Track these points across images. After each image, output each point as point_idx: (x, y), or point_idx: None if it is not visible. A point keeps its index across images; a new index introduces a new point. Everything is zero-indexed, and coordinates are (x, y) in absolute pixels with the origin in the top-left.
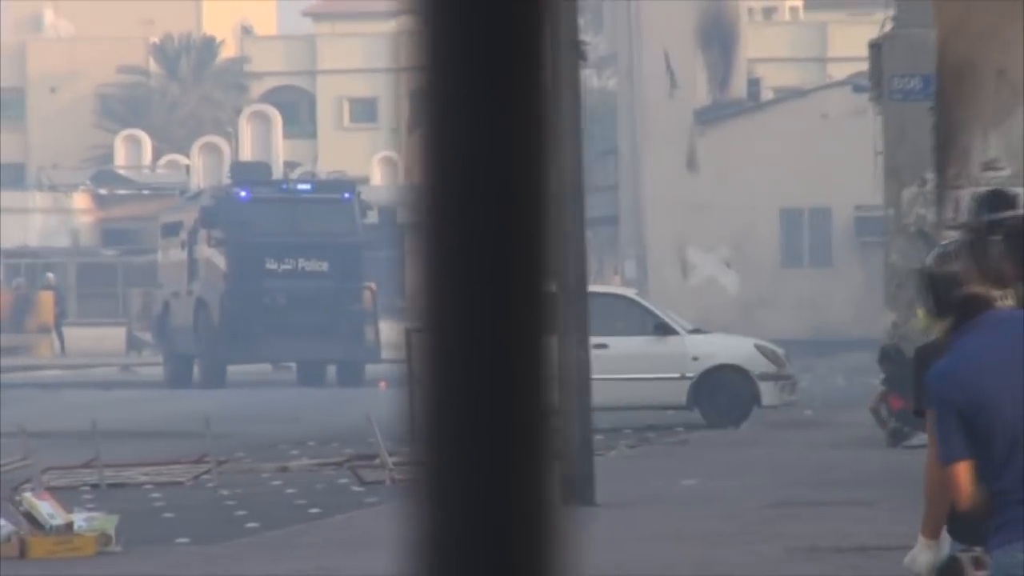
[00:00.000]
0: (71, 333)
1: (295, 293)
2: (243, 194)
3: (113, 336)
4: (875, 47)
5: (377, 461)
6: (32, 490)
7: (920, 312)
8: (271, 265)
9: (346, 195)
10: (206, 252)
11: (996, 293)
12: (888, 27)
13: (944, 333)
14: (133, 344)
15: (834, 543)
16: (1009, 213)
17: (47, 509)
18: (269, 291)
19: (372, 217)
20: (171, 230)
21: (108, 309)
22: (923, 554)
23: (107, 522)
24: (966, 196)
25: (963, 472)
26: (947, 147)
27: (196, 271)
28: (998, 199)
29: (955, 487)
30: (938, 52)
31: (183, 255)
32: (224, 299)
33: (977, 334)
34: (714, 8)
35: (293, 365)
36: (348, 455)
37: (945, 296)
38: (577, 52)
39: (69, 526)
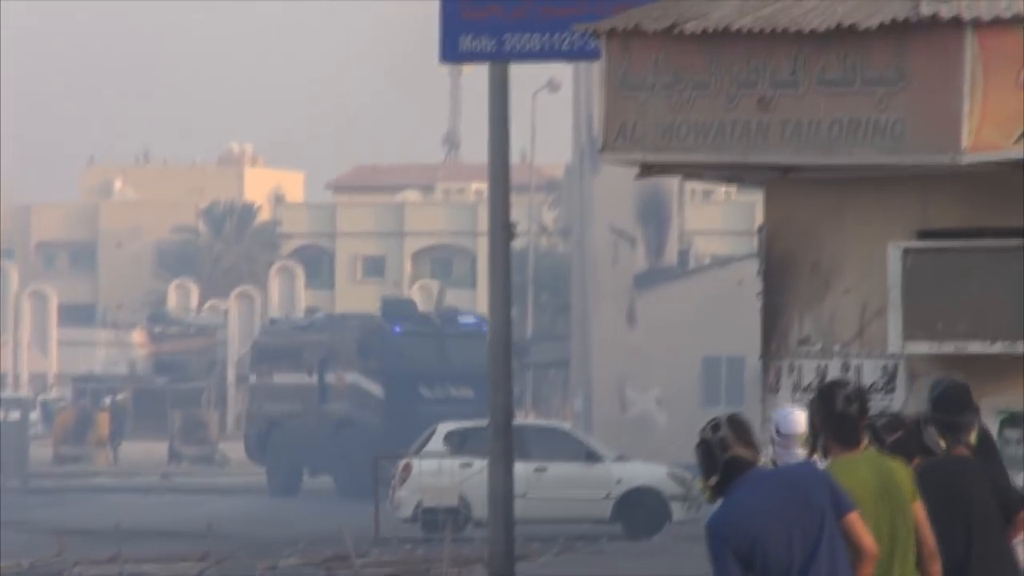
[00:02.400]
0: (125, 447)
1: (446, 418)
2: (396, 328)
3: (159, 449)
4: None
5: (347, 562)
6: None
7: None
8: (425, 392)
9: (484, 328)
10: (349, 378)
11: (754, 455)
12: None
13: (712, 491)
14: (174, 456)
15: None
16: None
17: None
18: (424, 416)
19: None
20: (268, 356)
21: (158, 427)
22: None
23: None
24: (784, 366)
25: None
26: (771, 326)
27: (330, 394)
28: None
29: None
30: (766, 246)
31: (306, 379)
32: (380, 421)
33: (745, 487)
34: (652, 189)
35: None
36: (325, 555)
37: (714, 458)
38: (508, 232)
39: None
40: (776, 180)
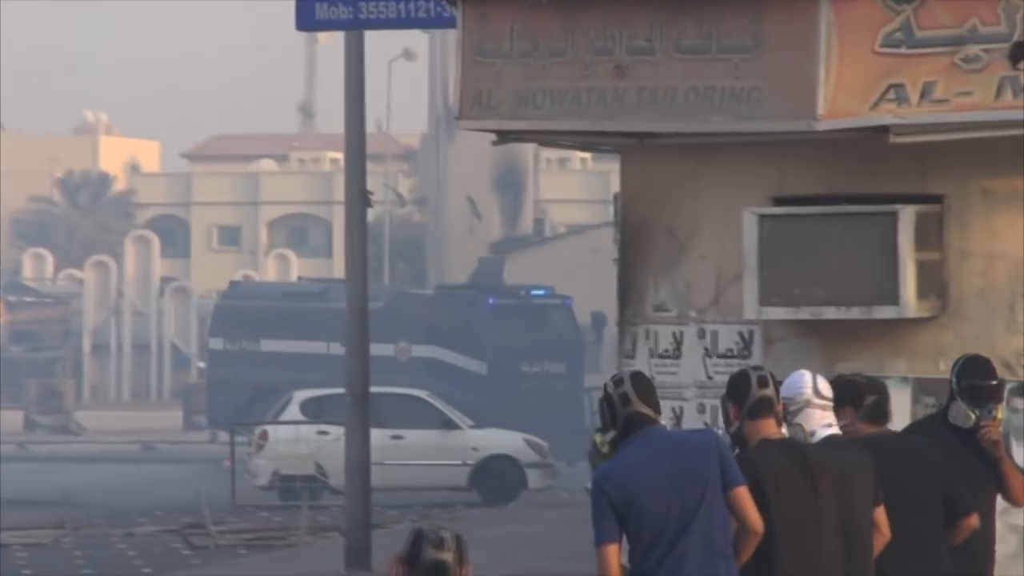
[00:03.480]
0: None
1: (545, 395)
2: (491, 299)
3: (15, 419)
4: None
5: (204, 530)
6: None
7: (596, 435)
8: (525, 368)
9: (567, 300)
10: (419, 351)
11: (657, 417)
12: None
13: (610, 446)
14: (29, 425)
15: None
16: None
17: None
18: (527, 393)
19: None
20: (246, 322)
21: (13, 396)
22: None
23: None
24: (640, 332)
25: (613, 552)
26: (626, 292)
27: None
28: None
29: (605, 564)
30: (621, 212)
31: (319, 348)
32: (482, 399)
33: (637, 445)
34: (507, 159)
35: None
36: (183, 523)
37: (614, 413)
38: (364, 200)
39: None
40: (632, 147)
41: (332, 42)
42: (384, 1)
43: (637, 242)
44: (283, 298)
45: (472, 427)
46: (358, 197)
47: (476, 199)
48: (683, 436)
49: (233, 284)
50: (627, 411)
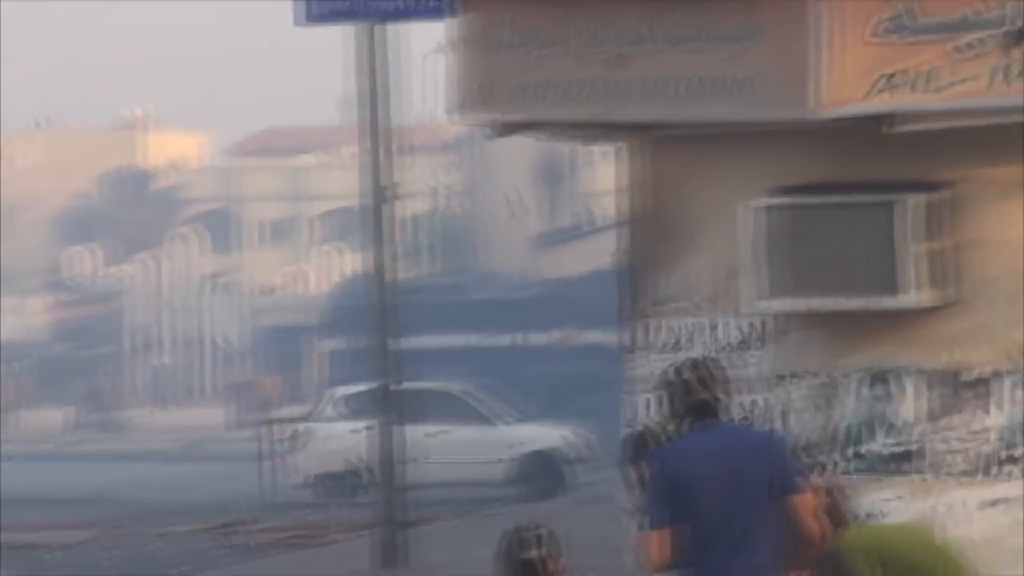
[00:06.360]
0: (28, 416)
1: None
2: None
3: (61, 418)
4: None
5: (240, 528)
6: None
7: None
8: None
9: None
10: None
11: (721, 402)
12: None
13: (676, 429)
14: (76, 424)
15: None
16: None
17: None
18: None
19: None
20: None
21: (60, 395)
22: None
23: None
24: (647, 326)
25: (664, 537)
26: (631, 286)
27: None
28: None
29: (654, 548)
30: (625, 205)
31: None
32: None
33: (697, 436)
34: (550, 150)
35: None
36: (219, 522)
37: (678, 401)
38: (380, 195)
39: None
40: (633, 138)
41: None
42: None
43: (641, 235)
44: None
45: (515, 422)
46: (376, 193)
47: (519, 191)
48: (742, 434)
49: (344, 282)
50: (691, 399)
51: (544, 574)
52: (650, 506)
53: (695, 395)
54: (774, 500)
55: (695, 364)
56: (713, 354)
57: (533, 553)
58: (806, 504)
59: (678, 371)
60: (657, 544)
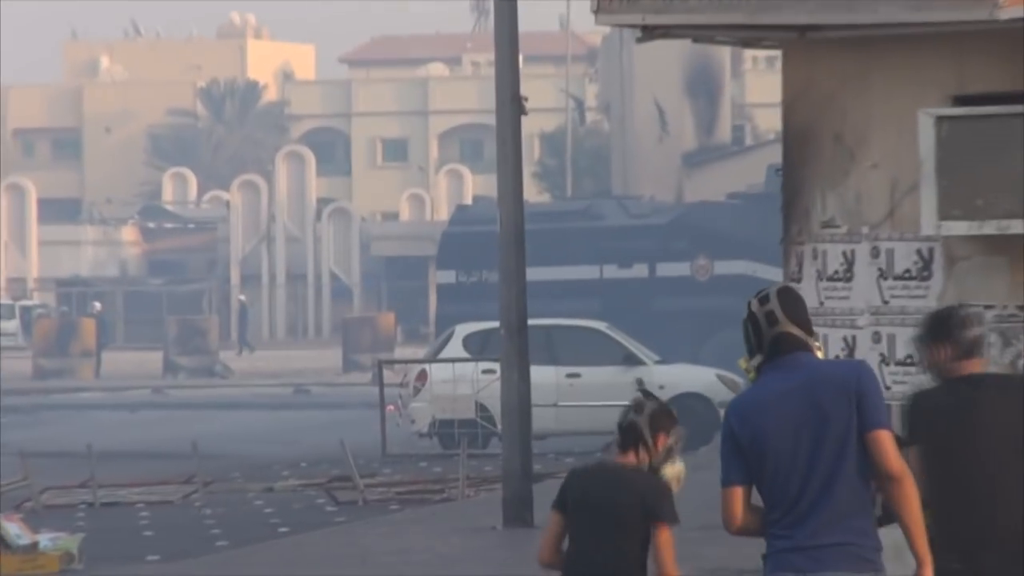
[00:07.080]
0: (115, 357)
1: None
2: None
3: (153, 360)
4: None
5: (351, 483)
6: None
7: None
8: None
9: None
10: (743, 267)
11: (809, 339)
12: None
13: (756, 372)
14: (169, 368)
15: (739, 565)
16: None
17: (14, 530)
18: None
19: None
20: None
21: (152, 335)
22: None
23: (70, 542)
24: (807, 251)
25: (736, 496)
26: (791, 206)
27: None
28: None
29: (727, 509)
30: (783, 117)
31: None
32: None
33: (772, 375)
34: (701, 59)
35: None
36: (329, 476)
37: (760, 334)
38: (518, 107)
39: (35, 546)
40: (794, 42)
41: None
42: None
43: (801, 150)
44: (534, 219)
45: (658, 362)
46: (510, 104)
47: (666, 105)
48: (822, 367)
49: (461, 208)
50: (774, 332)
51: (645, 440)
52: (722, 461)
53: (777, 327)
54: (860, 438)
55: (777, 292)
56: (887, 281)
57: (639, 418)
58: (890, 439)
59: (760, 301)
60: (735, 503)
